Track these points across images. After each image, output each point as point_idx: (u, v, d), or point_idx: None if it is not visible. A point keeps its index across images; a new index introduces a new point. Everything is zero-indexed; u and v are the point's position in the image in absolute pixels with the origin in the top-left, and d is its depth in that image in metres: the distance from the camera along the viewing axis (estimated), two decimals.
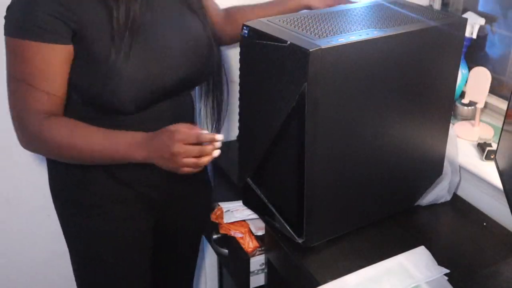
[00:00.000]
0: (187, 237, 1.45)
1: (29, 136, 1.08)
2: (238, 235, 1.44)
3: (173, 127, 1.05)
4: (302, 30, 1.08)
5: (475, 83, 1.51)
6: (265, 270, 1.41)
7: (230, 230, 1.45)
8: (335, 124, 1.09)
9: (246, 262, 1.39)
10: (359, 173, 1.19)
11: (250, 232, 1.43)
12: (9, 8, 1.06)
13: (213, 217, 1.50)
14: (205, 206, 1.46)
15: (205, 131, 1.06)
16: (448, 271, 1.14)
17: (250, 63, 1.12)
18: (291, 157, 1.11)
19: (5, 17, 1.06)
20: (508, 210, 1.12)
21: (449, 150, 1.38)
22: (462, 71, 1.59)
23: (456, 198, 1.42)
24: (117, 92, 1.07)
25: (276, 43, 1.04)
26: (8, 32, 1.04)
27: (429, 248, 1.20)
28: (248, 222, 1.46)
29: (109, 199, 1.20)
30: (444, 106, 1.31)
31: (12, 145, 1.16)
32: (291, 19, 1.14)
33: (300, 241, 1.17)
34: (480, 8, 1.62)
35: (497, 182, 1.24)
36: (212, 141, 1.06)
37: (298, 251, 1.20)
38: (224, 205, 1.50)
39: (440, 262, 1.16)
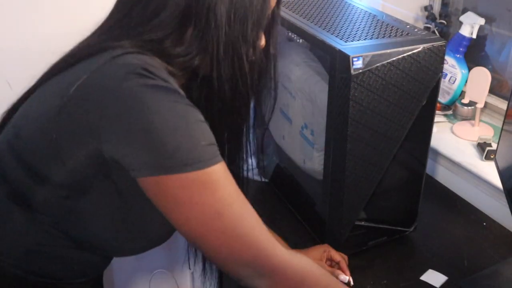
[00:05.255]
0: None
1: (279, 267, 0.83)
2: None
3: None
4: (383, 36, 1.08)
5: (475, 83, 1.51)
6: None
7: None
8: None
9: None
10: None
11: None
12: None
13: None
14: None
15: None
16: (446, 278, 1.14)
17: (368, 93, 1.01)
18: (411, 159, 1.17)
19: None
20: (508, 210, 1.13)
21: None
22: (462, 71, 1.59)
23: (456, 198, 1.42)
24: None
25: (407, 55, 1.00)
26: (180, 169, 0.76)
27: (428, 248, 1.20)
28: None
29: None
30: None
31: None
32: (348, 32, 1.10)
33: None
34: (480, 8, 1.62)
35: (497, 182, 1.24)
36: None
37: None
38: None
39: (440, 262, 1.17)
